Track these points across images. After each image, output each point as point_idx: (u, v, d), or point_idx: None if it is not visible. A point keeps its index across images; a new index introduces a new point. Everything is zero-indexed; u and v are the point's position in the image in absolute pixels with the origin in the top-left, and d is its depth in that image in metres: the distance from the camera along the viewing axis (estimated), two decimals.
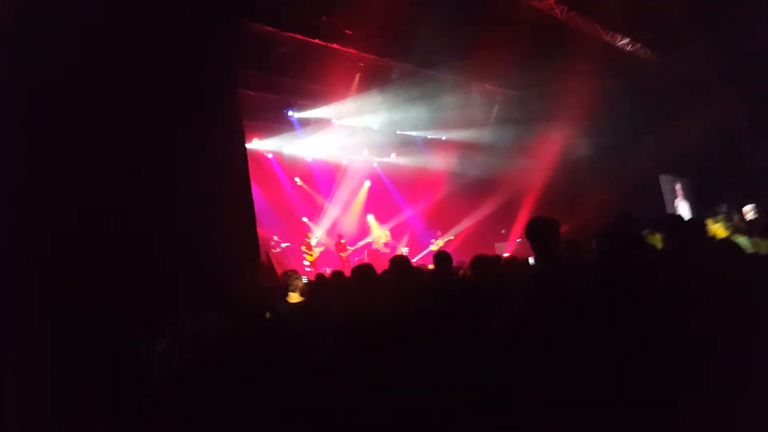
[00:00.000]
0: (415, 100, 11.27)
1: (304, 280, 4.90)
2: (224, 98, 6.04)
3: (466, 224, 13.55)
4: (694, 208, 9.64)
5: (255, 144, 11.67)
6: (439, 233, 13.19)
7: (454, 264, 4.64)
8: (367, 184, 14.55)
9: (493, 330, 2.52)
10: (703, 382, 1.90)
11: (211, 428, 2.97)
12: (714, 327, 2.01)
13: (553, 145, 11.71)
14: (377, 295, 3.82)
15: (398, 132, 13.54)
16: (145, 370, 3.42)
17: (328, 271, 9.31)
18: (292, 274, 4.57)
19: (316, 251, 12.24)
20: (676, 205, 9.85)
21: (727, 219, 4.17)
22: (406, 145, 14.12)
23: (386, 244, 13.52)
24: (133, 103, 4.71)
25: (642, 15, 9.10)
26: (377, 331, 3.16)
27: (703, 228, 3.35)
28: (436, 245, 12.81)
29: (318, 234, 13.07)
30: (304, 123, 11.86)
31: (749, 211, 5.40)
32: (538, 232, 2.62)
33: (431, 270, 4.96)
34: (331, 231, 13.51)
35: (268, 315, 4.20)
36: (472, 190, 13.50)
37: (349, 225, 14.04)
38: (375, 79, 10.65)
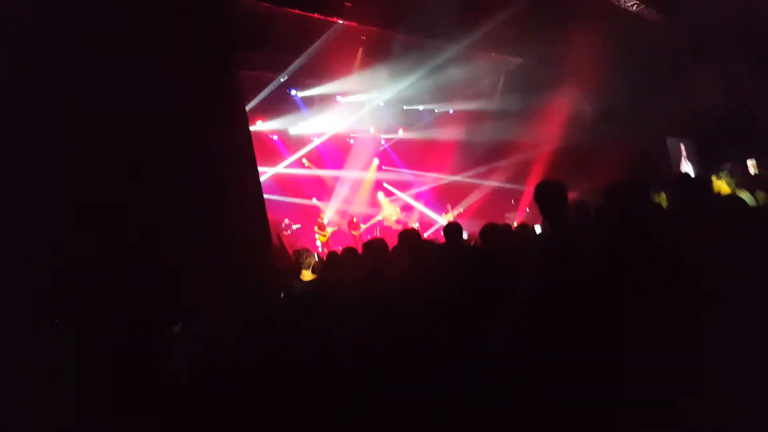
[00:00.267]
0: (420, 72, 11.13)
1: (316, 258, 4.95)
2: (224, 81, 6.02)
3: (475, 197, 13.52)
4: (699, 168, 9.55)
5: (259, 126, 11.64)
6: (449, 207, 13.18)
7: (465, 236, 4.66)
8: (376, 161, 14.53)
9: (504, 317, 2.52)
10: (713, 340, 1.92)
11: (236, 415, 3.05)
12: (721, 287, 2.02)
13: (561, 112, 11.57)
14: (389, 269, 3.86)
15: (405, 107, 13.43)
16: (161, 359, 3.49)
17: (340, 250, 9.38)
18: (303, 252, 4.61)
19: (329, 231, 12.32)
20: (682, 166, 9.76)
21: (731, 175, 4.18)
22: (414, 120, 14.02)
23: (398, 221, 13.56)
24: (131, 92, 4.72)
25: None
26: (390, 305, 3.21)
27: (708, 186, 3.35)
28: (446, 219, 12.82)
29: (329, 214, 13.13)
30: (309, 102, 11.79)
31: (751, 166, 5.40)
32: (545, 196, 2.64)
33: (442, 243, 4.99)
34: (342, 211, 13.57)
35: (282, 295, 4.27)
36: (480, 162, 13.43)
37: (360, 204, 14.08)
38: (378, 53, 10.51)
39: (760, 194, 4.06)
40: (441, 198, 13.90)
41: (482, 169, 13.45)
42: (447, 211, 13.12)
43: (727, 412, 1.83)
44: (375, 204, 14.23)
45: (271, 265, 6.17)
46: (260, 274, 5.51)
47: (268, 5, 8.14)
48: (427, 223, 14.10)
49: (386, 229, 13.31)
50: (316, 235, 12.24)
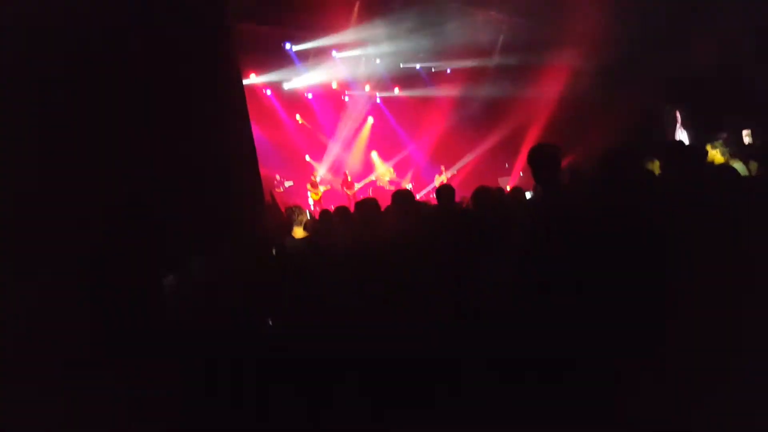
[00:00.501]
0: (418, 29, 10.85)
1: (308, 215, 4.96)
2: (217, 31, 5.84)
3: (469, 158, 13.46)
4: (694, 136, 9.53)
5: (252, 79, 11.40)
6: (442, 168, 13.15)
7: (457, 199, 4.67)
8: (371, 120, 14.35)
9: (494, 263, 2.56)
10: (697, 308, 1.96)
11: (224, 365, 3.11)
12: (709, 256, 2.06)
13: (559, 74, 11.42)
14: (381, 228, 3.88)
15: (402, 65, 13.17)
16: (151, 308, 3.54)
17: (333, 208, 9.39)
18: (296, 209, 4.62)
19: (321, 189, 12.29)
20: (676, 133, 9.73)
21: (725, 144, 4.18)
22: (410, 78, 13.78)
23: (391, 182, 13.54)
24: (118, 39, 4.58)
25: None
26: (381, 263, 3.24)
27: (701, 154, 3.36)
28: (439, 182, 12.81)
29: (322, 172, 13.07)
30: (303, 57, 11.52)
31: (746, 136, 5.41)
32: (540, 160, 2.62)
33: (434, 204, 5.00)
34: (335, 169, 13.50)
35: (274, 251, 4.29)
36: (475, 123, 13.31)
37: (353, 163, 14.00)
38: (376, 7, 10.22)
39: (753, 164, 4.08)
40: (435, 160, 13.84)
41: (478, 130, 13.35)
42: (441, 173, 13.10)
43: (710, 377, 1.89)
44: (368, 163, 14.17)
45: (263, 220, 6.17)
46: (252, 229, 5.52)
47: None
48: (420, 184, 14.09)
49: (379, 189, 13.30)
50: (309, 193, 12.21)
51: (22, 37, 4.13)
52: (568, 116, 11.33)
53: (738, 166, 3.94)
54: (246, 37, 9.41)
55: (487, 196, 3.70)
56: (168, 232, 4.37)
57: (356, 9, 10.18)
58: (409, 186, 13.48)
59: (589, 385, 1.94)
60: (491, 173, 12.95)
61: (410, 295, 2.86)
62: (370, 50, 11.80)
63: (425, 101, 13.99)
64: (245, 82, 8.53)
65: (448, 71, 13.65)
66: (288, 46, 11.03)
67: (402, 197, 3.99)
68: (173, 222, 4.67)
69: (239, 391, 2.92)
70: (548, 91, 11.71)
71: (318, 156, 13.30)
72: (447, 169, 13.17)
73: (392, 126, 14.59)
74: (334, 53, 11.68)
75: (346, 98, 13.82)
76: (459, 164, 13.42)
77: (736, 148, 4.30)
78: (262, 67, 11.33)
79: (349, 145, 13.96)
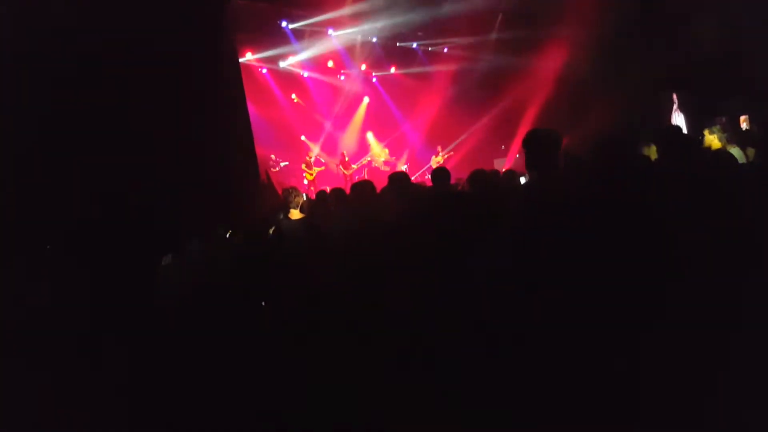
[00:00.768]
0: (415, 5, 10.70)
1: (305, 197, 4.95)
2: (215, 9, 5.76)
3: (465, 137, 13.38)
4: (691, 120, 9.48)
5: (248, 58, 11.26)
6: (439, 149, 13.10)
7: (453, 181, 4.67)
8: (366, 100, 14.24)
9: (488, 247, 2.56)
10: (692, 293, 1.98)
11: (221, 343, 3.14)
12: (704, 242, 2.07)
13: (556, 55, 11.33)
14: (377, 210, 3.89)
15: (399, 44, 13.02)
16: (149, 290, 3.57)
17: (328, 189, 9.38)
18: (292, 191, 4.61)
19: (316, 170, 12.25)
20: (673, 116, 9.68)
21: (723, 130, 4.16)
22: (407, 58, 13.63)
23: (386, 162, 13.50)
24: (118, 21, 4.52)
25: None
26: (376, 245, 3.26)
27: (698, 140, 3.35)
28: (435, 162, 12.78)
29: (317, 152, 13.00)
30: (299, 35, 11.36)
31: (744, 121, 5.39)
32: (536, 144, 2.55)
33: (429, 186, 5.00)
34: (331, 149, 13.42)
35: (271, 232, 4.30)
36: (472, 102, 13.21)
37: (349, 143, 13.92)
38: None
39: (751, 150, 4.06)
40: (431, 139, 13.77)
41: (475, 109, 13.25)
42: (437, 153, 13.06)
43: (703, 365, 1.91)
44: (364, 143, 14.09)
45: (259, 201, 6.18)
46: (249, 209, 5.53)
47: None
48: (416, 165, 14.05)
49: (374, 170, 13.27)
50: (304, 174, 12.18)
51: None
52: (565, 98, 11.27)
53: (735, 151, 3.93)
54: (242, 14, 9.25)
55: (482, 180, 3.70)
56: (165, 213, 4.38)
57: None
58: (404, 167, 13.44)
59: (583, 375, 1.97)
60: (487, 155, 12.91)
61: (405, 275, 2.89)
62: (367, 28, 11.63)
63: (422, 80, 13.86)
64: (241, 60, 8.42)
65: (446, 50, 13.51)
66: (284, 24, 10.86)
67: (398, 179, 3.98)
68: (170, 203, 4.68)
69: (236, 370, 2.96)
70: (546, 70, 11.63)
71: (313, 136, 13.22)
72: (443, 149, 13.11)
73: (388, 106, 14.47)
74: (330, 32, 11.52)
75: (342, 77, 13.68)
76: (455, 143, 13.35)
77: (733, 134, 4.28)
78: (258, 46, 11.18)
79: (344, 125, 13.87)
